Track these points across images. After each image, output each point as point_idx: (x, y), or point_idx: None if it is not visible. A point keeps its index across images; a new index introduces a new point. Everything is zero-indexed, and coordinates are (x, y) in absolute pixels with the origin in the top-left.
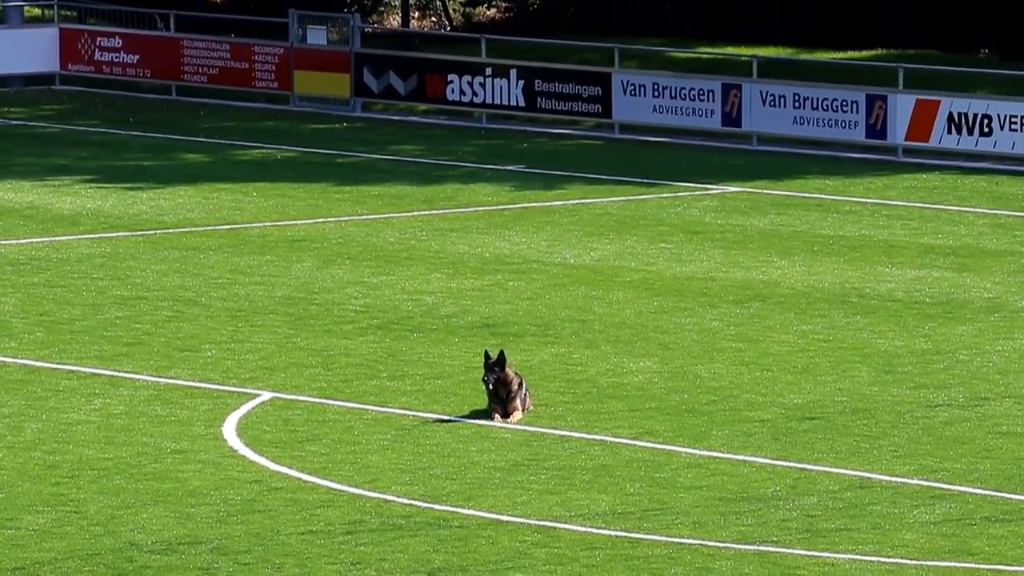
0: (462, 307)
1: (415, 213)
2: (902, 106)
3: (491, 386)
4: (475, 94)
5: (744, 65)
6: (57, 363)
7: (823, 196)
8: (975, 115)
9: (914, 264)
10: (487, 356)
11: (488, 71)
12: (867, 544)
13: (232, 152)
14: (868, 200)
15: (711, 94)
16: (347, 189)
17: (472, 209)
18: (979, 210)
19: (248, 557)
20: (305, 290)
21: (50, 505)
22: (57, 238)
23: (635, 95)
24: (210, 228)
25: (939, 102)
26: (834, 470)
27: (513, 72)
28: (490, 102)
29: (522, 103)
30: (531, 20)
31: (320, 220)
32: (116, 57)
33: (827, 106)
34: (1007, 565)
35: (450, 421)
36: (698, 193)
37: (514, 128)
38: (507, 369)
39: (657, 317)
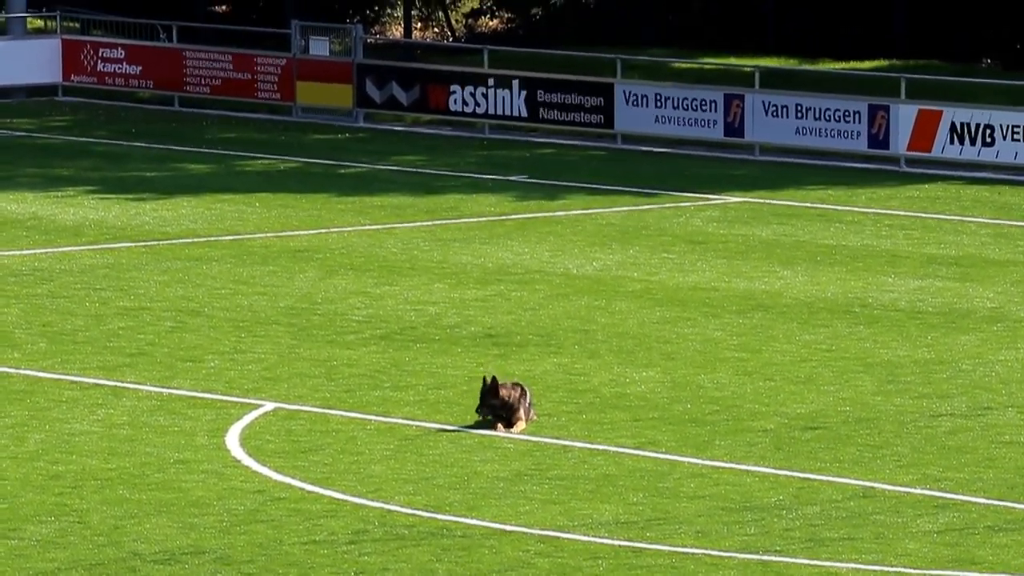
0: (465, 317)
1: (417, 223)
2: (904, 116)
3: (489, 417)
4: (477, 104)
5: (746, 75)
6: (60, 374)
7: (825, 206)
8: (977, 125)
9: (917, 274)
10: (484, 382)
11: (490, 82)
12: (870, 553)
13: (235, 163)
14: (870, 210)
15: (713, 104)
16: (350, 200)
17: (474, 219)
18: (982, 220)
19: (251, 567)
20: (308, 300)
21: (53, 515)
22: (60, 249)
23: (637, 105)
24: (213, 239)
25: (941, 112)
26: (837, 480)
27: (515, 82)
28: (492, 112)
29: (524, 113)
30: (533, 31)
31: (323, 231)
32: (119, 68)
33: (829, 116)
34: (1010, 574)
35: (453, 431)
36: (700, 203)
37: (516, 138)
38: (501, 395)
39: (660, 327)
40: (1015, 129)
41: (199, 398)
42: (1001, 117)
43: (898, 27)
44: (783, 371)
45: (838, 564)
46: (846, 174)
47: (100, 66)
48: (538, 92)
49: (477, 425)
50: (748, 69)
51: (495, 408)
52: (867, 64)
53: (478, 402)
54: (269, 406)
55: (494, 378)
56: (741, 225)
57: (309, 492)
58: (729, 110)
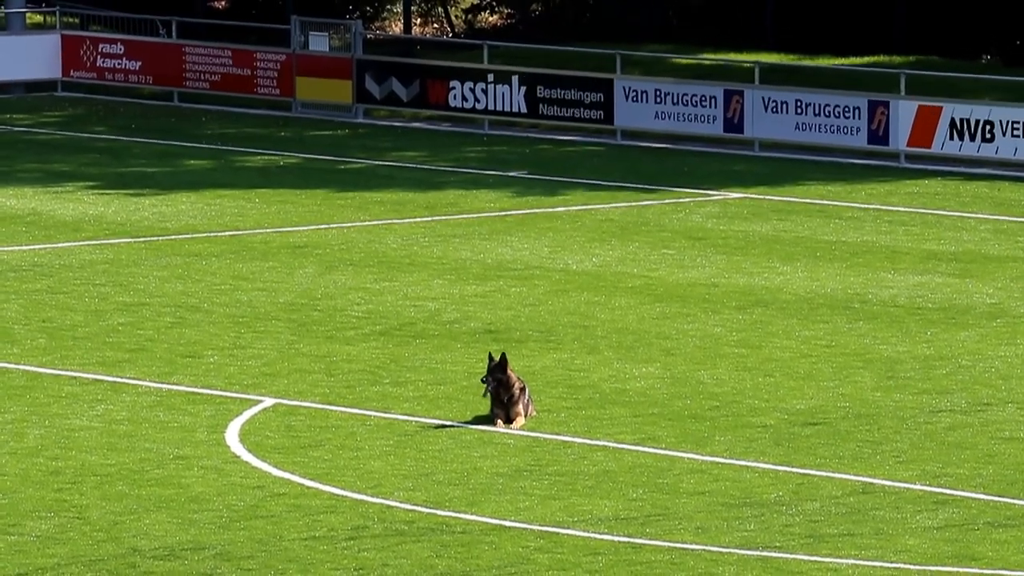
0: (464, 313)
1: (417, 219)
2: (904, 112)
3: (490, 388)
4: (477, 100)
5: (746, 71)
6: (60, 369)
7: (825, 202)
8: (977, 121)
9: (916, 270)
10: (490, 358)
11: (490, 77)
12: (870, 549)
13: (234, 158)
14: (870, 206)
15: (713, 100)
16: (349, 195)
17: (474, 215)
18: (981, 216)
19: (251, 563)
20: (307, 296)
21: (53, 511)
22: (59, 244)
23: (637, 101)
24: (212, 234)
25: (941, 108)
26: (837, 475)
27: (515, 78)
28: (492, 108)
29: (524, 109)
30: (533, 26)
31: (322, 226)
32: (118, 64)
33: (829, 112)
34: (1010, 570)
35: (453, 427)
36: (700, 199)
37: (516, 134)
38: (509, 373)
39: (659, 323)
40: (1015, 125)
41: (198, 394)
42: (1001, 113)
43: (898, 23)
44: (783, 367)
45: (838, 560)
46: (846, 170)
47: (99, 61)
48: (538, 88)
49: (476, 421)
50: (748, 65)
51: (499, 382)
52: (867, 60)
53: (485, 372)
54: (269, 402)
55: (503, 354)
56: (741, 221)
57: (309, 488)
58: (729, 106)
